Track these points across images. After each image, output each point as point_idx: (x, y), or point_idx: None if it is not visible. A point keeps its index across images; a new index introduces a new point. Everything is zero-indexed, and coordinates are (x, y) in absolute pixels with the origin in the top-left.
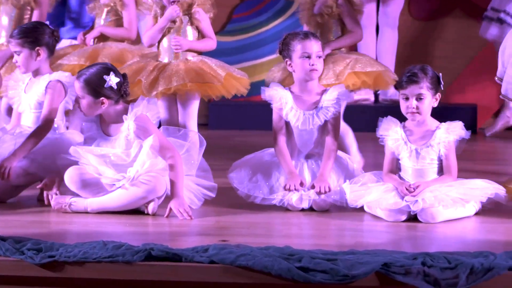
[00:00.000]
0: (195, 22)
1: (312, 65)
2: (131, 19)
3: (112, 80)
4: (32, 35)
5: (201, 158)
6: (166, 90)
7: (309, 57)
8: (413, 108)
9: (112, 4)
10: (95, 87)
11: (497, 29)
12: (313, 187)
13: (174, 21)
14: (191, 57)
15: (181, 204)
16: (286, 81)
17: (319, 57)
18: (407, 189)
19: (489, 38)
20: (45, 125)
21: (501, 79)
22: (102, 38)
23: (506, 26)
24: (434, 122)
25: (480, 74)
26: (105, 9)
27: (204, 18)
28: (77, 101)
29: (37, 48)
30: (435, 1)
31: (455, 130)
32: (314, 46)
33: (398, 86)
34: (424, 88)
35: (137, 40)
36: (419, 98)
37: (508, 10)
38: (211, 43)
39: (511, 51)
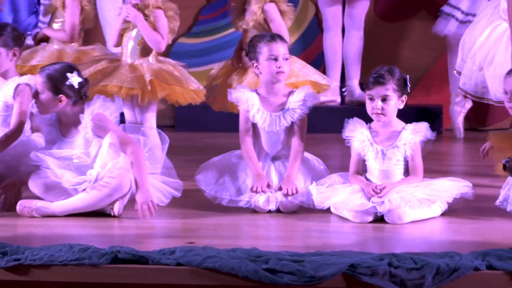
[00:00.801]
0: (151, 23)
1: (279, 67)
2: (70, 21)
3: (74, 79)
4: (8, 36)
5: (164, 156)
6: (129, 90)
7: (276, 59)
8: (378, 109)
9: (57, 6)
10: (56, 83)
11: (453, 25)
12: (280, 188)
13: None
14: (152, 59)
15: (147, 196)
16: (220, 78)
17: (286, 59)
18: (373, 190)
19: (445, 33)
20: (17, 128)
21: (459, 73)
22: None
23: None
24: (400, 123)
25: (446, 75)
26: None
27: (160, 20)
28: (35, 97)
29: (15, 48)
30: (401, 3)
31: (420, 131)
32: (281, 48)
33: (365, 87)
34: (390, 89)
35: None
36: (384, 99)
37: (463, 8)
38: (159, 39)
39: (471, 45)
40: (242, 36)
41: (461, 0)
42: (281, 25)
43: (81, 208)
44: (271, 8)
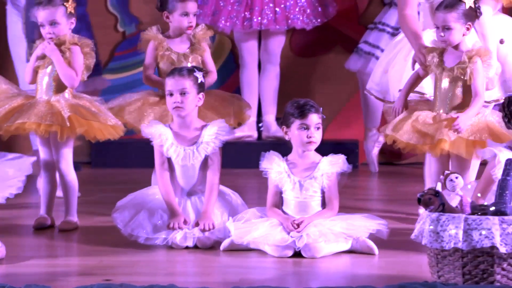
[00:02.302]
0: (67, 59)
1: (174, 102)
2: None
3: None
4: None
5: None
6: (48, 127)
7: (171, 94)
8: (313, 137)
9: None
10: None
11: (362, 61)
12: (197, 224)
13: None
14: (68, 95)
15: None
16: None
17: (183, 94)
18: (292, 225)
19: (353, 69)
20: None
21: (369, 92)
22: None
23: (371, 58)
24: (316, 155)
25: (360, 110)
26: None
27: (76, 56)
28: None
29: None
30: (316, 38)
31: (337, 162)
32: (175, 84)
33: (295, 117)
34: (320, 118)
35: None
36: (317, 127)
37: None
38: (73, 75)
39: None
40: None
41: (380, 39)
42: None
43: None
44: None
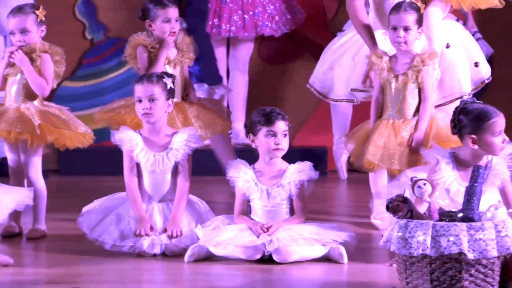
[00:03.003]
0: (37, 67)
1: (143, 109)
2: None
3: None
4: None
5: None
6: (18, 134)
7: (140, 101)
8: (281, 144)
9: None
10: None
11: None
12: (165, 230)
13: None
14: (38, 103)
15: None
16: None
17: (152, 100)
18: (261, 229)
19: None
20: None
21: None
22: None
23: None
24: (284, 163)
25: (329, 117)
26: None
27: (46, 64)
28: None
29: None
30: (285, 45)
31: (305, 170)
32: (143, 90)
33: (262, 124)
34: (287, 125)
35: None
36: (284, 134)
37: None
38: (44, 84)
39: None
40: None
41: None
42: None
43: None
44: None
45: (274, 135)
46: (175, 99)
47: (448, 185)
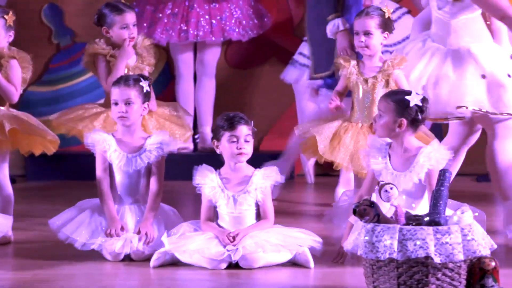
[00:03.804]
0: (5, 73)
1: (119, 112)
2: None
3: None
4: None
5: None
6: None
7: (116, 104)
8: (244, 148)
9: None
10: None
11: (297, 72)
12: (138, 232)
13: None
14: (6, 109)
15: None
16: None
17: (128, 104)
18: (227, 238)
19: (289, 80)
20: None
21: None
22: None
23: (306, 70)
24: (249, 168)
25: (297, 121)
26: None
27: (14, 70)
28: None
29: None
30: (251, 50)
31: (270, 175)
32: (120, 94)
33: (225, 129)
34: (251, 130)
35: None
36: (246, 140)
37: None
38: (13, 90)
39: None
40: None
41: None
42: None
43: None
44: None
45: (237, 140)
46: None
47: (377, 172)
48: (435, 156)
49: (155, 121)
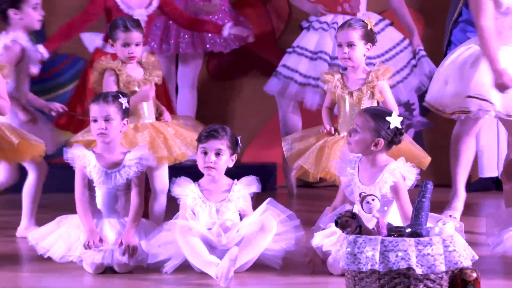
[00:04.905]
0: None
1: (99, 128)
2: None
3: None
4: None
5: None
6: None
7: (95, 120)
8: (211, 162)
9: None
10: None
11: (293, 87)
12: (121, 244)
13: None
14: None
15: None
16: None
17: (107, 120)
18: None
19: (272, 92)
20: None
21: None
22: None
23: (290, 82)
24: (228, 179)
25: (278, 133)
26: None
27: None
28: None
29: None
30: (233, 62)
31: (250, 184)
32: (99, 110)
33: (197, 141)
34: (224, 145)
35: None
36: (218, 153)
37: (301, 71)
38: (4, 104)
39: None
40: None
41: (299, 63)
42: None
43: None
44: None
45: (206, 153)
46: (150, 120)
47: (345, 184)
48: (399, 172)
49: (173, 129)
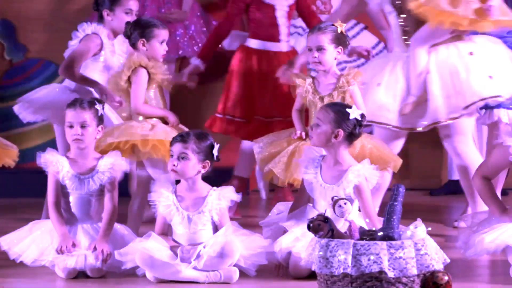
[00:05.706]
0: None
1: (74, 134)
2: None
3: None
4: None
5: None
6: None
7: (71, 126)
8: (174, 166)
9: None
10: None
11: None
12: (94, 249)
13: None
14: None
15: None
16: None
17: (83, 127)
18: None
19: None
20: None
21: None
22: None
23: None
24: (206, 187)
25: None
26: None
27: None
28: None
29: None
30: (206, 66)
31: (226, 195)
32: (75, 116)
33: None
34: (189, 149)
35: None
36: (181, 157)
37: None
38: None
39: None
40: None
41: None
42: None
43: None
44: None
45: (172, 156)
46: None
47: (308, 182)
48: (363, 174)
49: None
